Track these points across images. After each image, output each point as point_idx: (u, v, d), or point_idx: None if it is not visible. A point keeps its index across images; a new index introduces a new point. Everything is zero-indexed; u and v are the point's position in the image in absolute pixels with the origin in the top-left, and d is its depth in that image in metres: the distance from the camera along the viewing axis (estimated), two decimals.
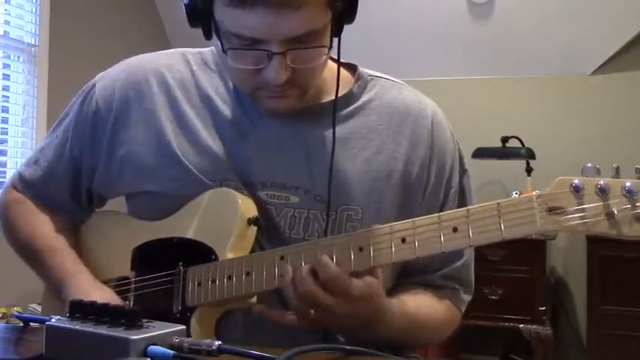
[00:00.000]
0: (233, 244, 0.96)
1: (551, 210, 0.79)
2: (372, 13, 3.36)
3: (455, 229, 0.83)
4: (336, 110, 1.01)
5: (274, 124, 1.02)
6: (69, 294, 1.00)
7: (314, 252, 0.89)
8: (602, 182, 0.76)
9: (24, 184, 1.14)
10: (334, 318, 0.88)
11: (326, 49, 0.92)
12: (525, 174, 3.33)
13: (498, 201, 0.82)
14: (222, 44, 0.91)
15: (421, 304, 1.02)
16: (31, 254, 1.11)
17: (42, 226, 1.11)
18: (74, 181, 1.12)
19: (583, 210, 0.77)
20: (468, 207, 0.84)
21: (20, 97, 3.16)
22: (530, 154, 3.26)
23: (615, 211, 0.75)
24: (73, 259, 1.08)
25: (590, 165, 0.79)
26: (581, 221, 0.77)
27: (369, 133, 1.03)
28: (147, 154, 1.03)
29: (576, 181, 0.77)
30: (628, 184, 0.75)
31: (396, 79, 1.12)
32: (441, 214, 0.85)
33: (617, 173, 0.79)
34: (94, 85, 1.10)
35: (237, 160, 1.01)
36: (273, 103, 0.98)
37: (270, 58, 0.89)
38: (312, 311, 0.87)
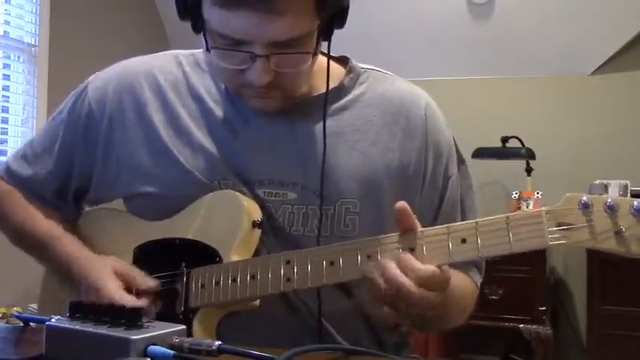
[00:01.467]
0: (238, 247, 0.96)
1: (559, 225, 0.80)
2: (372, 14, 3.35)
3: (464, 240, 0.83)
4: (326, 103, 1.00)
5: (266, 121, 1.02)
6: (80, 272, 1.01)
7: (320, 257, 0.89)
8: (610, 200, 0.77)
9: (11, 176, 1.14)
10: (426, 310, 0.86)
11: (310, 56, 0.92)
12: (525, 174, 3.32)
13: (507, 214, 0.82)
14: (207, 43, 0.91)
15: (455, 283, 1.01)
16: (28, 241, 1.12)
17: (36, 214, 1.12)
18: (61, 179, 1.12)
19: (592, 227, 0.78)
20: (477, 220, 0.84)
21: (20, 97, 3.16)
22: (530, 154, 3.26)
23: (623, 229, 0.76)
24: (74, 242, 1.09)
25: (597, 182, 0.81)
26: (589, 238, 0.78)
27: (364, 126, 1.03)
28: (143, 156, 1.03)
29: (585, 198, 0.79)
30: (636, 203, 0.77)
31: (388, 72, 1.11)
32: (449, 225, 0.85)
33: (624, 191, 0.81)
34: (86, 87, 1.10)
35: (233, 159, 1.01)
36: (257, 103, 0.98)
37: (254, 60, 0.89)
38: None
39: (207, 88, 1.05)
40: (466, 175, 1.10)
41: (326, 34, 0.93)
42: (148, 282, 0.99)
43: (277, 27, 0.86)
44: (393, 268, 0.83)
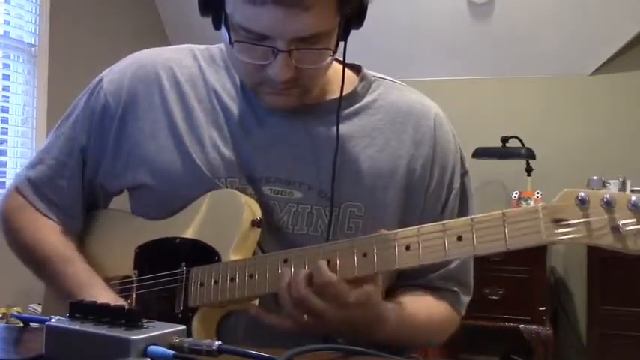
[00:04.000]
0: (236, 246, 0.96)
1: (556, 221, 0.79)
2: (372, 13, 3.35)
3: (459, 238, 0.83)
4: (340, 108, 1.01)
5: (279, 120, 1.02)
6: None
7: (317, 256, 0.89)
8: (607, 196, 0.76)
9: (31, 185, 1.09)
10: (326, 323, 0.88)
11: (331, 52, 0.93)
12: (525, 174, 3.33)
13: (503, 210, 0.81)
14: (229, 36, 0.91)
15: (419, 307, 1.02)
16: (38, 260, 1.08)
17: (49, 233, 1.08)
18: (84, 175, 1.09)
19: (588, 222, 0.77)
20: (473, 216, 0.84)
21: (20, 97, 3.16)
22: (530, 154, 3.26)
23: (620, 225, 0.75)
24: (86, 268, 1.05)
25: (595, 178, 0.80)
26: (585, 234, 0.77)
27: (373, 132, 1.04)
28: (153, 147, 1.03)
29: (582, 194, 0.78)
30: (633, 198, 0.75)
31: (398, 81, 1.12)
32: (445, 222, 0.85)
33: (622, 186, 0.79)
34: (100, 80, 1.09)
35: (242, 156, 1.01)
36: (273, 100, 0.98)
37: (276, 55, 0.90)
38: (305, 316, 0.88)
39: (222, 83, 1.06)
40: (469, 186, 1.11)
41: (344, 33, 0.94)
42: None
43: (302, 22, 0.87)
44: (299, 283, 0.87)
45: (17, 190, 1.11)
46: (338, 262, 0.88)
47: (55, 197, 1.09)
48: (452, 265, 1.06)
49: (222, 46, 1.09)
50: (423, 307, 1.03)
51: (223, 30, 0.93)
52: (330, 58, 0.94)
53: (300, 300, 0.87)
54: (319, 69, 0.95)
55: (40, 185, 1.09)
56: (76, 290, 1.01)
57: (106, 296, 0.99)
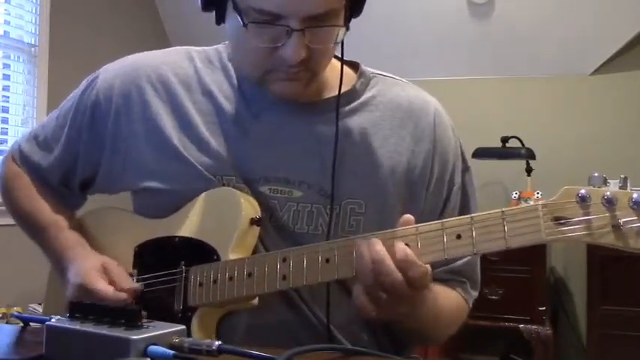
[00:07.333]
0: (235, 245, 0.96)
1: (556, 219, 0.77)
2: (372, 12, 3.35)
3: (459, 236, 0.82)
4: (339, 105, 1.01)
5: (277, 119, 1.02)
6: (69, 262, 1.04)
7: (316, 254, 0.89)
8: (608, 193, 0.75)
9: (22, 157, 1.16)
10: (399, 304, 0.86)
11: (342, 30, 0.93)
12: (525, 174, 3.33)
13: (503, 209, 0.80)
14: (242, 19, 0.91)
15: (437, 295, 1.01)
16: (33, 227, 1.14)
17: (43, 201, 1.13)
18: (66, 165, 1.13)
19: (589, 221, 0.76)
20: (472, 214, 0.83)
21: (20, 97, 3.16)
22: (530, 154, 3.26)
23: (622, 223, 0.74)
24: (73, 233, 1.10)
25: (597, 175, 0.78)
26: (586, 232, 0.76)
27: (373, 129, 1.04)
28: (148, 150, 1.04)
29: (582, 191, 0.76)
30: (635, 195, 0.74)
31: (397, 77, 1.12)
32: (444, 220, 0.85)
33: (624, 184, 0.77)
34: (96, 77, 1.11)
35: (240, 156, 1.01)
36: (282, 86, 0.98)
37: (290, 35, 0.90)
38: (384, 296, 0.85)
39: (218, 84, 1.06)
40: (470, 182, 1.10)
41: (347, 17, 0.95)
42: (129, 284, 0.99)
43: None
44: (387, 262, 0.83)
45: (13, 157, 1.18)
46: (336, 260, 0.88)
47: (40, 174, 1.15)
48: (459, 262, 1.06)
49: (219, 47, 1.09)
50: (440, 294, 1.01)
51: (231, 18, 0.93)
52: (340, 37, 0.94)
53: (387, 277, 0.83)
54: (329, 50, 0.96)
55: (29, 160, 1.15)
56: (60, 252, 1.07)
57: (87, 253, 1.05)
